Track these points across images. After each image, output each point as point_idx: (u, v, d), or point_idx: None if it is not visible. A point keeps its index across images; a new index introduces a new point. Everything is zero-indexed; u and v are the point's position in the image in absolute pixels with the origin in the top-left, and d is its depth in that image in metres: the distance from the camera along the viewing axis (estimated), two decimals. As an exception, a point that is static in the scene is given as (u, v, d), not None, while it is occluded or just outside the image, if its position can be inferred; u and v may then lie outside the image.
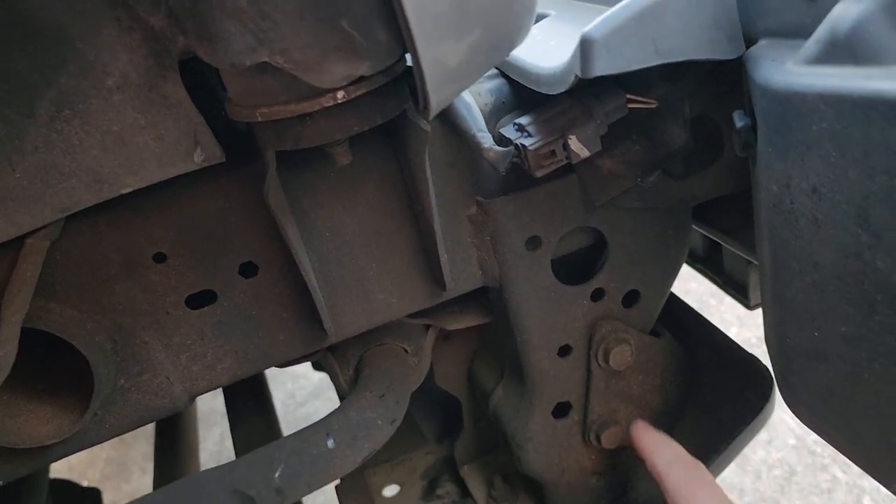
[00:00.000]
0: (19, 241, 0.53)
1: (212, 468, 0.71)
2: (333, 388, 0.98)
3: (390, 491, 1.20)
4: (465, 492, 1.15)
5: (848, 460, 0.52)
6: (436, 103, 0.48)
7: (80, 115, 0.49)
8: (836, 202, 0.44)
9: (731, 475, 2.04)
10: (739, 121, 0.54)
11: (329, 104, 0.49)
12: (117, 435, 0.70)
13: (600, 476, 1.00)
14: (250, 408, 1.21)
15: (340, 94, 0.49)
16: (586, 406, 0.92)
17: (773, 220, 0.52)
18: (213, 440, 2.73)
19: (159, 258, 0.65)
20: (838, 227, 0.44)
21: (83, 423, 0.64)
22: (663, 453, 0.79)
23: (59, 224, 0.55)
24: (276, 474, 0.71)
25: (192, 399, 0.73)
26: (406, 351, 0.90)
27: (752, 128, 0.53)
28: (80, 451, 0.70)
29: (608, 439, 0.93)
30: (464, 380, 1.08)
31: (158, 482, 1.28)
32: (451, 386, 1.07)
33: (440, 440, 1.27)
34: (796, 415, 0.59)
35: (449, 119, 0.69)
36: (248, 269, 0.69)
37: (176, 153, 0.53)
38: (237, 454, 1.12)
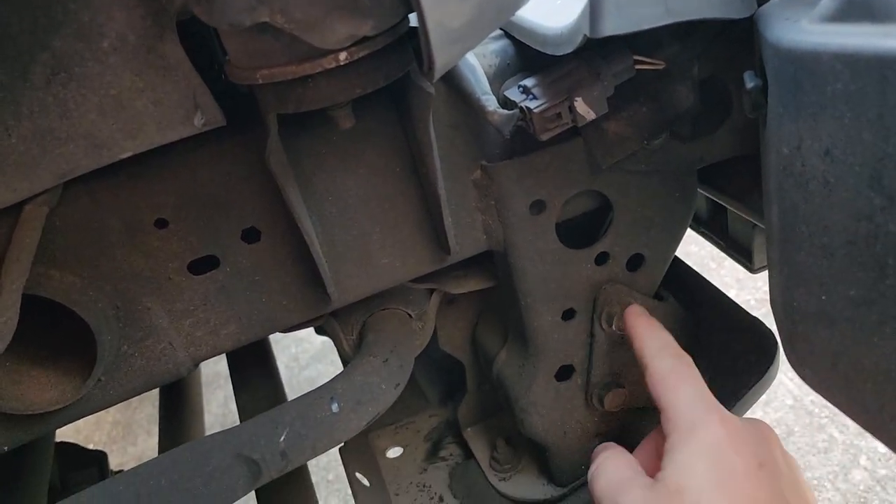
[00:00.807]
0: (17, 207, 0.53)
1: (217, 432, 0.72)
2: (336, 351, 0.98)
3: (394, 453, 1.21)
4: (468, 454, 1.16)
5: (845, 420, 0.52)
6: (440, 64, 0.47)
7: (76, 79, 0.48)
8: (849, 164, 0.43)
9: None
10: (750, 81, 0.53)
11: (331, 66, 0.48)
12: (121, 401, 0.70)
13: (603, 438, 1.01)
14: (254, 371, 1.22)
15: (343, 56, 0.48)
16: (589, 369, 0.92)
17: (782, 183, 0.51)
18: (218, 403, 2.76)
19: (161, 224, 0.65)
20: (850, 189, 0.43)
21: (86, 389, 0.64)
22: (653, 340, 0.76)
23: (57, 190, 0.55)
24: (281, 438, 0.71)
25: (196, 364, 0.73)
26: (410, 315, 0.89)
27: (763, 88, 0.52)
28: (84, 417, 0.70)
29: (611, 402, 0.94)
30: (467, 343, 1.08)
31: (163, 446, 1.29)
32: (455, 350, 1.08)
33: (443, 403, 1.28)
34: (802, 378, 0.59)
35: (453, 81, 0.68)
36: (250, 235, 0.68)
37: (175, 117, 0.52)
38: (241, 418, 1.13)
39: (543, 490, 1.05)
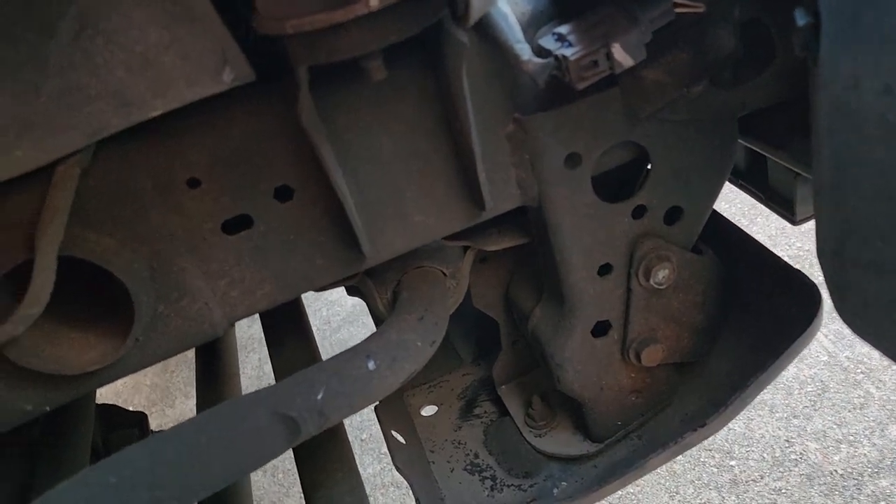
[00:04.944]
0: (49, 168, 0.52)
1: (254, 391, 0.72)
2: (368, 313, 0.98)
3: (428, 411, 1.21)
4: (502, 411, 1.16)
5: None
6: (475, 10, 0.45)
7: (102, 34, 0.47)
8: (912, 101, 0.41)
9: (762, 392, 2.04)
10: (801, 19, 0.50)
11: (362, 12, 0.46)
12: (159, 360, 0.71)
13: (639, 394, 1.00)
14: (289, 333, 1.23)
15: (374, 2, 0.46)
16: (626, 325, 0.91)
17: (834, 125, 0.49)
18: (252, 366, 2.80)
19: (193, 183, 0.64)
20: (913, 128, 0.41)
21: (125, 349, 0.65)
22: None
23: (89, 150, 0.54)
24: (319, 396, 0.71)
25: (232, 324, 0.73)
26: (444, 273, 0.89)
27: (815, 26, 0.50)
28: (123, 376, 0.71)
29: (648, 357, 0.93)
30: (501, 301, 1.07)
31: (201, 407, 1.31)
32: (489, 307, 1.07)
33: (477, 362, 1.28)
34: (851, 328, 0.57)
35: (485, 31, 0.66)
36: (283, 193, 0.68)
37: (204, 72, 0.51)
38: (277, 379, 1.14)
39: (580, 446, 1.05)
